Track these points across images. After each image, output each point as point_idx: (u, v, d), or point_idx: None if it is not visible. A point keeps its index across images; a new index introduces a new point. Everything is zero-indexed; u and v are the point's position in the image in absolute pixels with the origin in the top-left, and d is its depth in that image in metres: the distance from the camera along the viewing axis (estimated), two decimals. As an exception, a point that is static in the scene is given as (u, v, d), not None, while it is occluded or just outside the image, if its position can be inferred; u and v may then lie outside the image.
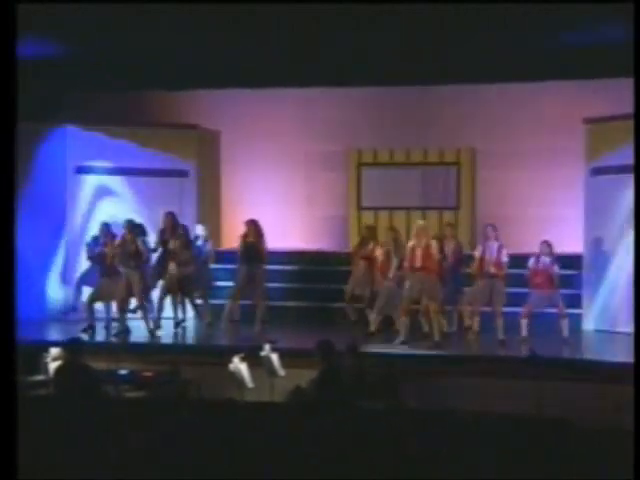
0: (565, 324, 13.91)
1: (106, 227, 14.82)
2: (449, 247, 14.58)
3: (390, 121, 17.00)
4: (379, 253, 14.18)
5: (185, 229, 15.01)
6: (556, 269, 13.93)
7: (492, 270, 13.70)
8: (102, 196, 16.34)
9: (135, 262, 14.39)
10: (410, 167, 17.03)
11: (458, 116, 16.73)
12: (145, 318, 14.51)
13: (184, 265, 14.68)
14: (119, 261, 14.46)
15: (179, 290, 14.92)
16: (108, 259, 14.58)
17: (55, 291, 16.08)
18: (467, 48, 14.38)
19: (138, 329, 14.48)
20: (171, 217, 15.07)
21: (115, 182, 16.37)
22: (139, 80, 16.37)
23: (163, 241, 14.96)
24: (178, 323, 15.08)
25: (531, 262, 14.00)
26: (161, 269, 14.85)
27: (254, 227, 14.57)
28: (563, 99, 16.15)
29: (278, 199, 17.35)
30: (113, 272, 14.57)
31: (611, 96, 15.14)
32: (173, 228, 14.94)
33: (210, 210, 17.07)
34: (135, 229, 14.53)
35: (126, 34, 13.75)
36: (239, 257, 14.57)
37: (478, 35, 13.63)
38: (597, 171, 15.08)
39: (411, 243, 13.53)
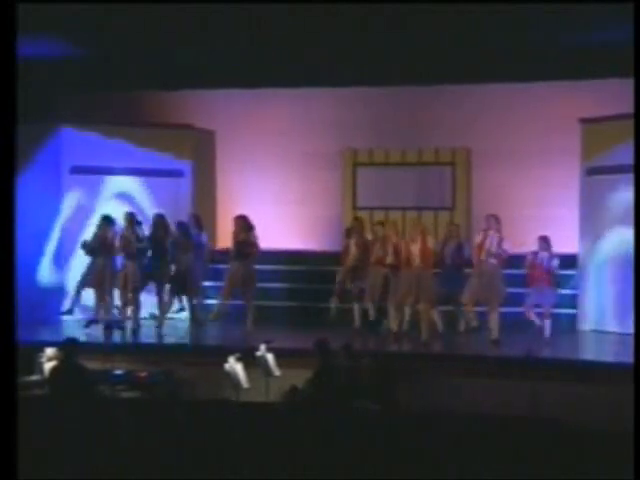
0: (548, 325, 13.89)
1: (107, 219, 14.90)
2: (451, 246, 14.47)
3: (386, 121, 16.97)
4: (374, 241, 14.13)
5: (183, 227, 14.93)
6: (555, 265, 13.87)
7: (490, 258, 13.51)
8: (97, 196, 16.28)
9: (134, 250, 14.46)
10: (406, 167, 17.02)
11: (454, 116, 16.71)
12: (135, 315, 14.55)
13: (183, 262, 14.64)
14: (120, 251, 14.61)
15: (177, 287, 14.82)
16: (107, 246, 14.68)
17: (53, 292, 16.00)
18: (465, 48, 14.38)
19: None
20: (161, 219, 14.97)
21: (110, 182, 16.31)
22: (135, 80, 16.34)
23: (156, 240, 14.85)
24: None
25: (529, 257, 13.97)
26: (158, 266, 14.76)
27: (243, 223, 14.56)
28: (559, 99, 16.13)
29: (274, 199, 17.32)
30: (107, 257, 14.71)
31: (607, 96, 15.13)
32: (166, 228, 14.86)
33: (206, 210, 17.01)
34: (134, 220, 14.66)
35: (124, 35, 13.74)
36: (231, 255, 14.56)
37: (476, 35, 13.63)
38: (593, 171, 15.05)
39: (406, 238, 13.56)
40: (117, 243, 14.69)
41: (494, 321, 13.48)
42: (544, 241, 13.96)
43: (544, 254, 13.91)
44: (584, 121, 15.10)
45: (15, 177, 12.50)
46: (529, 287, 14.04)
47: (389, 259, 13.76)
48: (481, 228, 13.95)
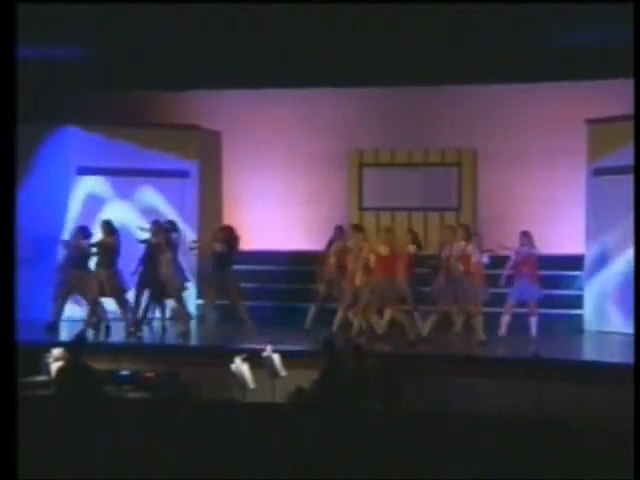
0: (533, 323, 13.92)
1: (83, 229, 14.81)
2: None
3: (392, 122, 16.96)
4: (366, 251, 14.18)
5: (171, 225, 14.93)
6: (534, 254, 13.87)
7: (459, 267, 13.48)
8: (104, 197, 16.33)
9: (109, 260, 14.39)
10: (411, 168, 17.03)
11: (459, 117, 16.70)
12: (124, 318, 14.47)
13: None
14: (93, 259, 14.53)
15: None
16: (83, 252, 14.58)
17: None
18: (468, 49, 14.38)
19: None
20: (157, 225, 14.84)
21: (117, 183, 16.36)
22: (140, 80, 16.37)
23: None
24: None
25: (512, 254, 14.01)
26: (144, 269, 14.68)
27: (232, 234, 14.67)
28: (564, 100, 16.10)
29: (279, 199, 17.32)
30: (85, 265, 14.60)
31: (612, 97, 15.12)
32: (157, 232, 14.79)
33: (212, 210, 17.07)
34: (111, 229, 14.53)
35: (127, 34, 13.77)
36: (212, 262, 14.60)
37: (479, 36, 13.64)
38: (599, 171, 15.05)
39: (380, 246, 13.65)
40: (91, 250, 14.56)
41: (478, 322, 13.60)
42: (526, 236, 13.96)
43: (524, 249, 13.90)
44: (590, 122, 15.10)
45: (16, 177, 12.57)
46: (513, 285, 14.03)
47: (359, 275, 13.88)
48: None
